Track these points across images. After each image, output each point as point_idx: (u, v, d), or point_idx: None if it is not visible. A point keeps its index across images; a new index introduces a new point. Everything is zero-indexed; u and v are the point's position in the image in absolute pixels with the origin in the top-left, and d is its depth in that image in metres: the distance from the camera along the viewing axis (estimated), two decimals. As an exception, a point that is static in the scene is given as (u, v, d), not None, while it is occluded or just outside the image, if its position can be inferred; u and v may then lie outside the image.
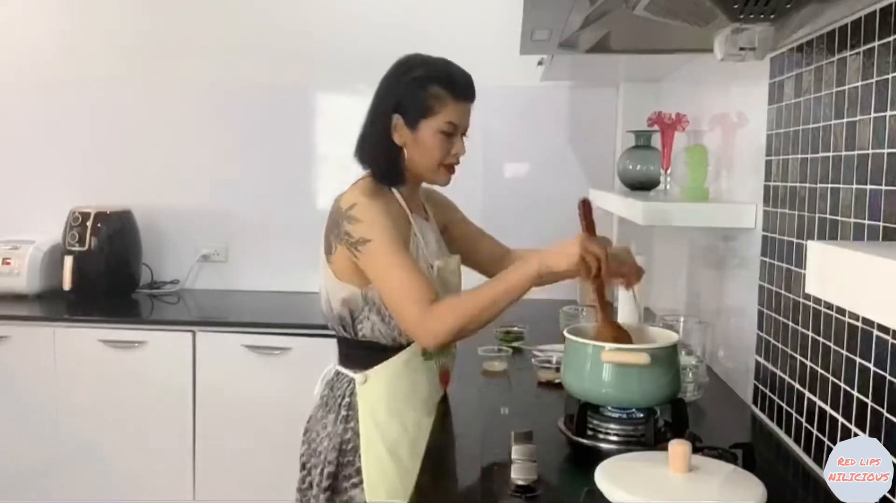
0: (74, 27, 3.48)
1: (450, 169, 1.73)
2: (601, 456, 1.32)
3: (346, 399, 1.70)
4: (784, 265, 1.64)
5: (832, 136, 1.41)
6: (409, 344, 1.70)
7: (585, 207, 1.61)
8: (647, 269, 1.76)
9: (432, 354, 1.72)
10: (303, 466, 1.77)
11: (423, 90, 1.66)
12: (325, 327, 1.82)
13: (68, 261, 3.21)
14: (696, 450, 1.25)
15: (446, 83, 1.67)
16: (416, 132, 1.67)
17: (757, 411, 1.79)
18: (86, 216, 3.23)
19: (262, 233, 3.47)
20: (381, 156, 1.71)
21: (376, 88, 1.73)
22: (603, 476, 1.20)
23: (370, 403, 1.68)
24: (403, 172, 1.72)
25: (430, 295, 1.57)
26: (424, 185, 1.83)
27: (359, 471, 1.66)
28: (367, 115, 1.74)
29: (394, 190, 1.73)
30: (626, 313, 1.97)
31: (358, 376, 1.70)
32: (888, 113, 1.20)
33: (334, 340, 1.80)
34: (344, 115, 3.44)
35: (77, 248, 3.21)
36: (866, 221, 1.26)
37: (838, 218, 1.37)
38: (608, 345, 1.49)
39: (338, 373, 1.76)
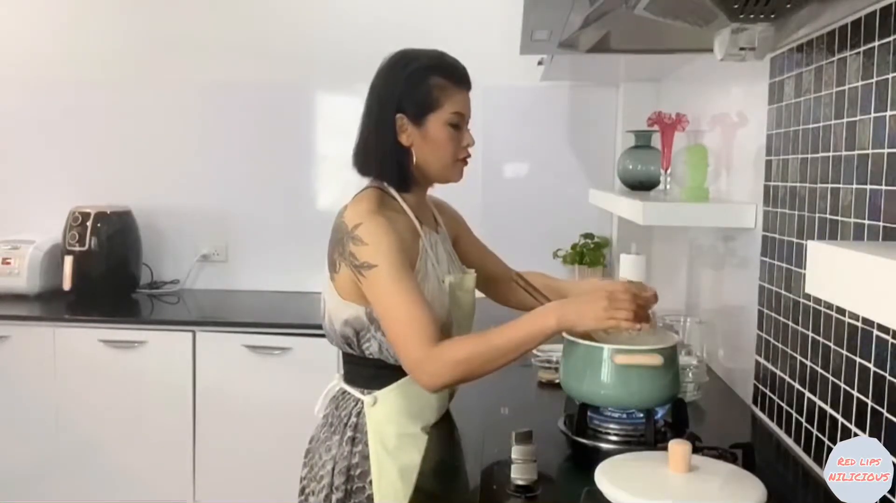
0: (75, 27, 3.48)
1: (463, 163, 1.63)
2: (601, 456, 1.32)
3: (353, 419, 1.58)
4: (784, 265, 1.63)
5: (832, 136, 1.41)
6: None
7: (524, 281, 1.64)
8: (647, 269, 1.75)
9: None
10: (302, 491, 1.67)
11: (424, 83, 1.56)
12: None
13: (68, 261, 3.21)
14: (696, 450, 1.25)
15: (446, 72, 1.58)
16: (423, 129, 1.56)
17: (757, 411, 1.79)
18: (86, 216, 3.23)
19: (262, 233, 3.47)
20: (388, 161, 1.58)
21: (369, 91, 1.61)
22: (603, 476, 1.20)
23: (380, 426, 1.57)
24: (413, 176, 1.60)
25: (433, 332, 1.43)
26: (432, 194, 1.73)
27: (370, 500, 1.54)
28: (363, 120, 1.62)
29: (402, 202, 1.60)
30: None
31: (367, 397, 1.58)
32: (888, 113, 1.20)
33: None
34: (344, 115, 3.45)
35: (77, 248, 3.21)
36: (866, 221, 1.26)
37: (838, 218, 1.37)
38: (616, 348, 1.47)
39: (344, 392, 1.64)
